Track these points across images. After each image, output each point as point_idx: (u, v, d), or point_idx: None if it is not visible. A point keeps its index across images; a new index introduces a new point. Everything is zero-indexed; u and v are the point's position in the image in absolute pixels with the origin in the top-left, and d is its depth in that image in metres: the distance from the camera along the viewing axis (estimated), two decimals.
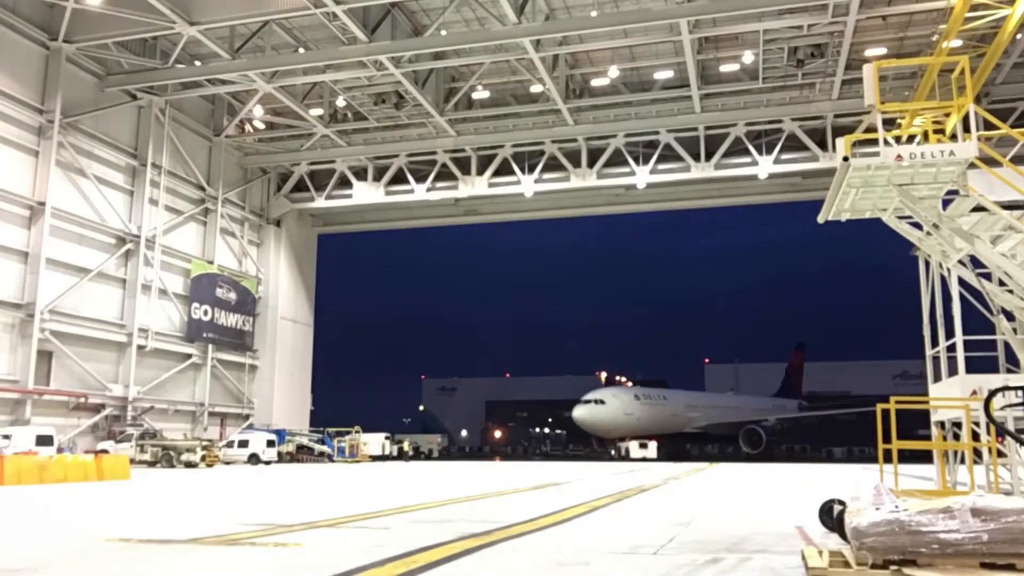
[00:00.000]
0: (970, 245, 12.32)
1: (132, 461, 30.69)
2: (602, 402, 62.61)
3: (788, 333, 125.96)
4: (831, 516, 9.00)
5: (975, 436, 12.08)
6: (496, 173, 45.97)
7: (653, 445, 60.78)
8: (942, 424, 15.18)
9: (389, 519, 11.52)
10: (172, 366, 41.34)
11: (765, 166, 42.41)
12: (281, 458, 40.23)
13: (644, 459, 57.26)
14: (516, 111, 43.29)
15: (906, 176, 12.49)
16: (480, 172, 46.12)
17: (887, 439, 11.89)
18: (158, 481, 23.53)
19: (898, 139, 13.03)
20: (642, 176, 44.15)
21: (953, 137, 12.53)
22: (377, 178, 48.01)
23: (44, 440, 28.08)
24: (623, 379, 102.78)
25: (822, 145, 41.18)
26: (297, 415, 50.33)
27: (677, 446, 68.68)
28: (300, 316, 52.19)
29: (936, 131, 13.60)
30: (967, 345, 14.03)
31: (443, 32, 35.51)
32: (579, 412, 62.01)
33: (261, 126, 46.65)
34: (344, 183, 48.75)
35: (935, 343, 15.69)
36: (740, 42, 36.85)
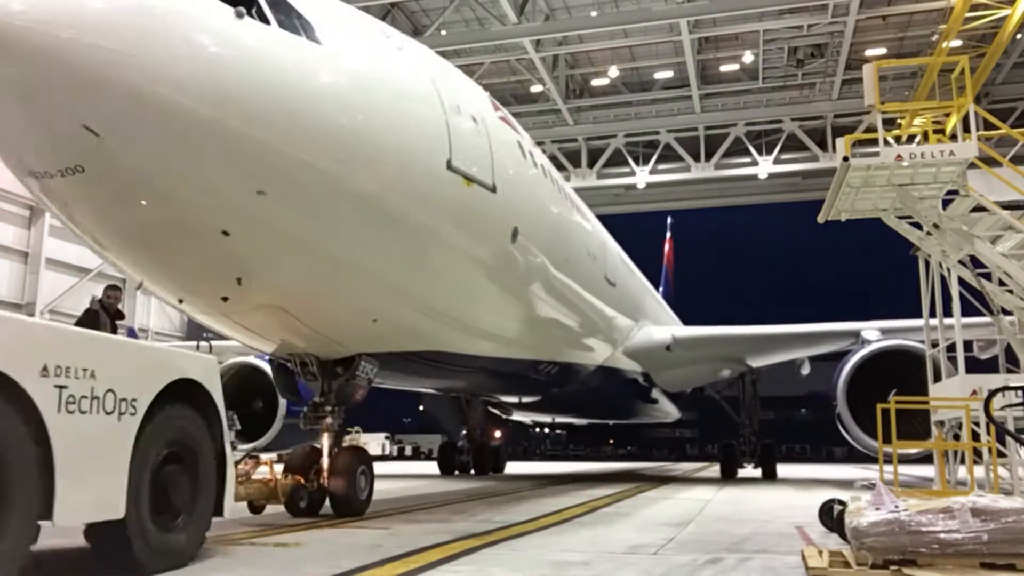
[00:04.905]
0: (970, 245, 12.35)
1: None
2: None
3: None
4: (831, 516, 8.99)
5: (975, 436, 12.08)
6: None
7: None
8: (942, 424, 15.19)
9: (389, 519, 11.52)
10: None
11: (765, 166, 42.32)
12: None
13: None
14: (516, 111, 42.99)
15: (906, 176, 12.52)
16: None
17: (887, 439, 11.89)
18: None
19: (898, 139, 13.06)
20: (642, 176, 44.07)
21: (953, 137, 12.56)
22: None
23: None
24: None
25: (822, 145, 41.10)
26: None
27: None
28: None
29: (936, 131, 13.62)
30: (967, 345, 14.04)
31: (443, 32, 35.45)
32: None
33: None
34: None
35: (935, 343, 15.70)
36: (740, 42, 36.77)
